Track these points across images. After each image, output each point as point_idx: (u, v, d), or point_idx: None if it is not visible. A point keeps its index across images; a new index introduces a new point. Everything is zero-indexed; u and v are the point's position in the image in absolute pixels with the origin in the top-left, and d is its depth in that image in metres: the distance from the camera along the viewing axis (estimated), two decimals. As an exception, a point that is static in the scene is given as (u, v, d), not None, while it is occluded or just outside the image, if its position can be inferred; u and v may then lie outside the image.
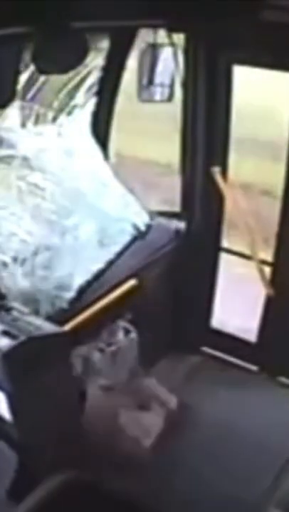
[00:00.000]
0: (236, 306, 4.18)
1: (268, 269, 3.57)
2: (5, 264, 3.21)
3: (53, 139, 3.78)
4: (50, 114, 5.91)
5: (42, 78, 5.28)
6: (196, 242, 3.66)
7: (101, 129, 3.58)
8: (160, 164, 6.19)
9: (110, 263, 3.37)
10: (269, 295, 3.58)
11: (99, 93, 3.51)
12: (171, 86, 3.31)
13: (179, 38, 3.24)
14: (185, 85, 3.37)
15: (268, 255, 3.53)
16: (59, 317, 2.96)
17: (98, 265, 3.35)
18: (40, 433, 2.58)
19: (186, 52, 3.33)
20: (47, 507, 1.52)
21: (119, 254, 3.42)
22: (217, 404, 3.38)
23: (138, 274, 3.36)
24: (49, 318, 2.90)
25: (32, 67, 2.55)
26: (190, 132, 3.50)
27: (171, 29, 3.09)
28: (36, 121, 6.03)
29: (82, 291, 3.22)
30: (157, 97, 3.37)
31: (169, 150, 4.18)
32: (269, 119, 4.56)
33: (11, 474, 2.58)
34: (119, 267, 3.38)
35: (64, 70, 2.71)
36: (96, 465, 2.75)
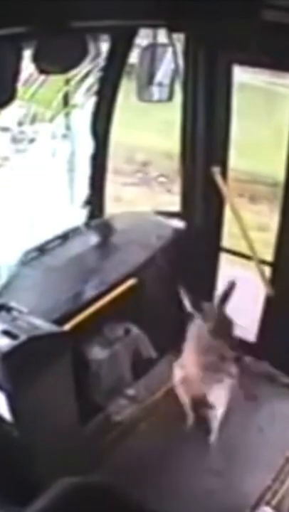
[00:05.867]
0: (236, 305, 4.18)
1: (268, 269, 3.58)
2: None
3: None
4: (48, 114, 5.93)
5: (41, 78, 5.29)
6: (196, 242, 3.66)
7: (101, 128, 3.58)
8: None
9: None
10: (269, 295, 3.58)
11: (99, 93, 3.50)
12: (171, 86, 3.32)
13: (179, 38, 3.25)
14: (185, 85, 3.37)
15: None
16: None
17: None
18: (40, 433, 2.58)
19: (186, 52, 3.33)
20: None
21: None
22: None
23: (138, 274, 3.36)
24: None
25: (32, 67, 2.55)
26: (190, 132, 3.50)
27: (171, 29, 3.09)
28: (33, 121, 6.05)
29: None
30: (157, 96, 3.37)
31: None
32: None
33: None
34: (118, 266, 3.39)
35: (64, 70, 2.71)
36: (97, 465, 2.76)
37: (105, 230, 3.75)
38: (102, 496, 1.56)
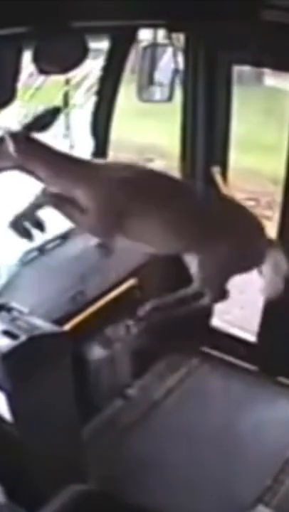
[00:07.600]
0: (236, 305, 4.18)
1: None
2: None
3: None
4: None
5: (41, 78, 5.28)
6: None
7: (101, 129, 3.58)
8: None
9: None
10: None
11: (99, 93, 3.50)
12: (171, 86, 3.31)
13: (179, 38, 3.25)
14: (185, 85, 3.37)
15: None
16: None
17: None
18: (40, 433, 2.58)
19: (186, 52, 3.33)
20: None
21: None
22: (217, 404, 3.38)
23: (138, 274, 3.36)
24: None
25: (32, 67, 2.54)
26: (190, 132, 3.50)
27: (171, 29, 3.09)
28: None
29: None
30: (157, 97, 3.37)
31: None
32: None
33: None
34: (118, 265, 3.39)
35: (64, 70, 2.70)
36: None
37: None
38: (109, 504, 1.56)
